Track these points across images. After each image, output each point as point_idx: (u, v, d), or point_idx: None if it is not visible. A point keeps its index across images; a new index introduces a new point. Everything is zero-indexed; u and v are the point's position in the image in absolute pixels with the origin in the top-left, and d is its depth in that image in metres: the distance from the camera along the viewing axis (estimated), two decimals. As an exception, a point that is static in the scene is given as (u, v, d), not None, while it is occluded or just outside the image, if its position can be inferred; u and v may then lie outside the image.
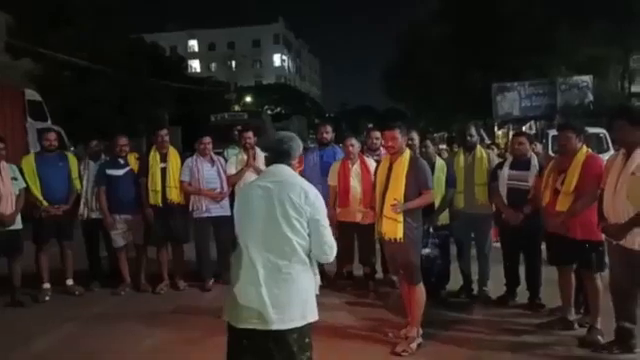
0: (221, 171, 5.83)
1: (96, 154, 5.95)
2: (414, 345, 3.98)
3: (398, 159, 4.04)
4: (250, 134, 5.90)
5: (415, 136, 5.67)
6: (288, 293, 2.42)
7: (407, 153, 4.09)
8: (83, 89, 21.40)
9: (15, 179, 5.23)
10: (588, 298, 4.19)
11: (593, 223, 3.90)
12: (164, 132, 5.85)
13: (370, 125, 49.28)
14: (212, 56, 71.29)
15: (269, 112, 34.62)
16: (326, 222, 2.54)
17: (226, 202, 5.81)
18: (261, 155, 5.84)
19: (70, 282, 5.73)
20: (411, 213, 3.96)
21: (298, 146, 2.65)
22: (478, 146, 5.23)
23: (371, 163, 5.55)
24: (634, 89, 21.66)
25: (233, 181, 5.77)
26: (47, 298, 5.50)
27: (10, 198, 5.11)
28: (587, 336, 4.03)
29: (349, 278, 5.78)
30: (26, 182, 5.37)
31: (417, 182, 3.97)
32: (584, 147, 4.16)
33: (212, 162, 5.85)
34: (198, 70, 66.75)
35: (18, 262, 5.34)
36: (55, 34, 20.47)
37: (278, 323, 2.39)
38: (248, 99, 42.44)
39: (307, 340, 2.50)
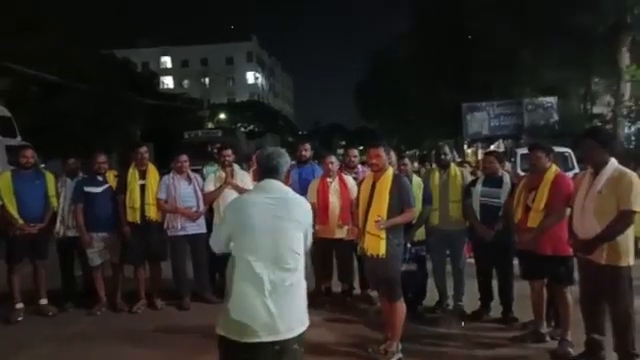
0: (197, 189, 5.81)
1: (73, 171, 5.87)
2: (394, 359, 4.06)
3: (381, 177, 4.17)
4: (229, 152, 5.92)
5: (392, 154, 5.83)
6: (290, 303, 2.53)
7: (390, 170, 4.22)
8: (52, 104, 21.00)
9: None
10: (559, 311, 4.36)
11: (563, 239, 4.08)
12: (144, 149, 5.83)
13: (343, 142, 49.68)
14: (185, 73, 70.95)
15: (242, 130, 34.56)
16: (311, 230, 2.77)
17: (202, 220, 5.81)
18: (239, 172, 5.89)
19: (44, 302, 5.59)
20: (393, 230, 4.07)
21: (286, 162, 2.76)
22: (452, 164, 5.41)
23: (349, 180, 5.67)
24: (596, 110, 22.53)
25: (211, 198, 5.76)
26: (20, 318, 5.37)
27: None
28: (558, 348, 4.18)
29: (327, 295, 5.83)
30: (2, 199, 5.27)
31: (400, 199, 4.09)
32: (553, 166, 4.37)
33: (189, 180, 5.83)
34: (171, 86, 66.29)
35: None
36: (22, 47, 20.06)
37: (285, 333, 2.48)
38: (222, 116, 42.32)
39: (302, 348, 2.58)
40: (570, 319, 4.19)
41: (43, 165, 13.22)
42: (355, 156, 6.13)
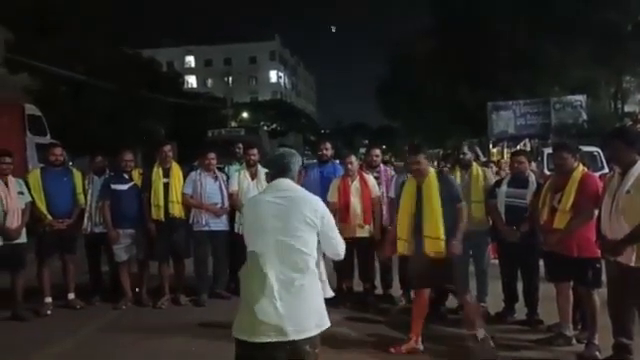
0: (223, 187, 5.90)
1: (100, 169, 5.99)
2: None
3: (426, 179, 4.23)
4: (255, 151, 6.00)
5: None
6: (302, 304, 2.48)
7: (432, 171, 4.33)
8: (80, 103, 21.47)
9: (21, 193, 5.28)
10: (586, 314, 4.27)
11: (590, 240, 3.99)
12: (167, 148, 5.94)
13: (365, 141, 49.60)
14: (209, 72, 71.71)
15: (265, 128, 34.76)
16: (335, 230, 2.68)
17: (225, 217, 5.89)
18: (262, 172, 5.89)
19: (72, 296, 5.74)
20: (450, 230, 4.17)
21: (297, 161, 2.73)
22: (474, 164, 5.34)
23: (370, 179, 5.64)
24: (627, 109, 22.01)
25: (237, 200, 5.80)
26: (49, 312, 5.51)
27: (16, 212, 5.16)
28: (585, 352, 4.10)
29: (349, 294, 5.81)
30: (32, 196, 5.42)
31: (450, 196, 4.19)
32: (580, 166, 4.28)
33: (215, 177, 5.92)
34: (195, 86, 67.06)
35: (21, 276, 5.36)
36: (48, 45, 20.52)
37: (294, 334, 2.44)
38: (244, 115, 42.66)
39: (317, 350, 2.55)
40: (597, 322, 4.10)
41: (70, 163, 13.59)
42: (377, 155, 6.10)
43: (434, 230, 4.11)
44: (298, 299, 2.48)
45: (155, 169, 5.83)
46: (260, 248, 2.53)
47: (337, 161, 6.45)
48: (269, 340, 2.43)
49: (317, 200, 2.65)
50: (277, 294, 2.44)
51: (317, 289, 2.59)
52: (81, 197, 5.75)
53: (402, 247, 4.37)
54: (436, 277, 4.25)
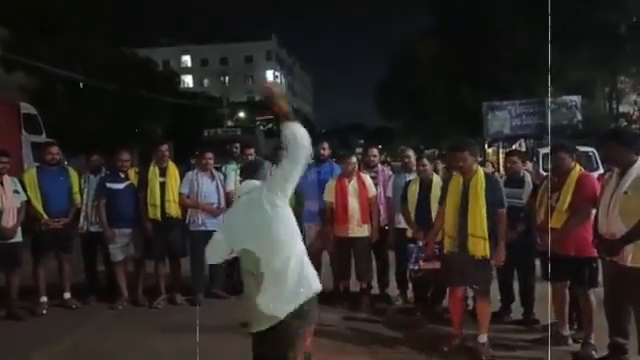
0: (220, 186, 5.88)
1: (96, 168, 5.98)
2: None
3: (473, 177, 4.19)
4: (252, 151, 6.00)
5: (411, 153, 5.80)
6: (283, 287, 2.58)
7: (481, 171, 4.28)
8: (75, 102, 21.40)
9: (17, 192, 5.26)
10: (581, 314, 4.29)
11: (587, 240, 4.01)
12: (164, 147, 5.93)
13: (361, 141, 49.57)
14: (205, 71, 71.55)
15: (262, 128, 34.71)
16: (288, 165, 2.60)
17: (221, 217, 5.87)
18: None
19: (67, 295, 5.72)
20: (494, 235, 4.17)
21: (264, 168, 2.99)
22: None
23: (367, 179, 5.64)
24: (621, 109, 22.12)
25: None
26: (44, 311, 5.49)
27: (12, 211, 5.15)
28: (581, 351, 4.12)
29: (345, 294, 5.81)
30: (27, 195, 5.40)
31: (494, 200, 4.16)
32: (577, 166, 4.30)
33: (212, 177, 5.90)
34: (191, 85, 66.94)
35: (16, 275, 5.33)
36: (46, 45, 20.46)
37: (281, 315, 2.55)
38: (241, 115, 42.57)
39: (299, 320, 2.60)
40: (593, 322, 4.13)
41: (66, 162, 13.56)
42: (375, 156, 6.12)
43: (479, 229, 4.08)
44: (278, 283, 2.58)
45: (151, 168, 5.82)
46: (241, 243, 2.67)
47: (333, 160, 6.46)
48: (263, 328, 2.58)
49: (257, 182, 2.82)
50: (259, 284, 2.57)
51: (293, 268, 2.62)
52: (77, 196, 5.74)
53: (449, 245, 4.30)
54: (472, 277, 4.24)
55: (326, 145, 6.23)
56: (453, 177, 4.38)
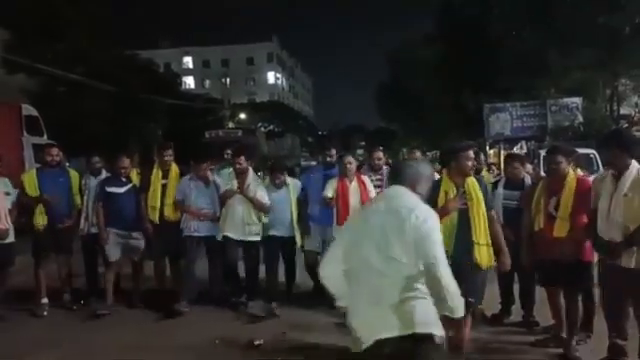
0: (215, 194, 5.69)
1: (97, 170, 5.97)
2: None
3: (467, 180, 3.90)
4: (242, 159, 5.52)
5: (419, 155, 5.79)
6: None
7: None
8: (77, 104, 21.44)
9: (8, 194, 5.22)
10: (568, 315, 4.25)
11: (582, 245, 4.02)
12: (169, 152, 5.89)
13: (362, 143, 49.58)
14: (206, 73, 71.68)
15: (263, 129, 34.76)
16: None
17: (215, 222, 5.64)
18: (253, 182, 5.55)
19: (68, 297, 5.71)
20: None
21: (410, 169, 2.71)
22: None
23: (367, 180, 5.61)
24: (622, 111, 22.12)
25: (222, 200, 5.57)
26: (45, 313, 5.48)
27: (3, 212, 5.10)
28: (566, 353, 4.13)
29: None
30: (27, 196, 5.40)
31: (486, 203, 3.96)
32: (571, 170, 4.26)
33: (207, 184, 5.73)
34: (192, 86, 67.04)
35: (8, 275, 5.32)
36: (48, 48, 20.54)
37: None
38: (242, 116, 42.62)
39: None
40: (578, 323, 4.18)
41: (67, 164, 13.58)
42: (379, 158, 6.04)
43: (483, 235, 3.84)
44: None
45: (155, 170, 5.80)
46: None
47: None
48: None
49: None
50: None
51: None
52: (77, 198, 5.74)
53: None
54: (469, 288, 3.74)
55: (333, 152, 6.13)
56: (443, 181, 3.98)
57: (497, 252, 3.94)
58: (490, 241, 3.84)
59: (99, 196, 5.67)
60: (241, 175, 5.53)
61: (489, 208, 3.93)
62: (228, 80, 58.52)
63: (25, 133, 12.36)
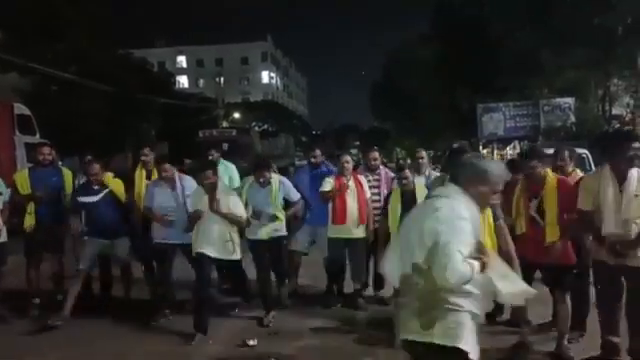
0: (180, 197, 5.25)
1: None
2: None
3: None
4: (210, 174, 4.92)
5: (424, 154, 5.81)
6: None
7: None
8: (71, 103, 21.33)
9: (0, 194, 5.17)
10: (558, 315, 4.27)
11: (569, 247, 4.06)
12: (146, 150, 5.75)
13: (357, 142, 49.62)
14: (200, 72, 71.51)
15: (257, 129, 34.72)
16: None
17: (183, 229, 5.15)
18: (224, 196, 4.93)
19: (60, 297, 5.66)
20: None
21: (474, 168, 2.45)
22: None
23: (363, 180, 5.60)
24: (614, 111, 22.28)
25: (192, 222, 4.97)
26: (36, 313, 5.43)
27: None
28: (556, 350, 4.15)
29: (339, 295, 5.77)
30: (19, 194, 5.36)
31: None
32: (549, 171, 4.23)
33: (173, 187, 5.31)
34: (186, 86, 66.87)
35: (1, 275, 5.28)
36: (48, 48, 20.45)
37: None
38: (236, 115, 42.56)
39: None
40: (568, 324, 4.19)
41: (60, 162, 13.51)
42: (375, 159, 5.99)
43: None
44: None
45: (138, 171, 5.70)
46: None
47: (327, 161, 6.39)
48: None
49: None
50: None
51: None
52: (69, 197, 5.66)
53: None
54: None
55: (318, 152, 6.07)
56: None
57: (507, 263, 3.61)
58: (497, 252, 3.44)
59: (73, 207, 5.43)
60: (211, 191, 4.91)
61: (496, 218, 3.55)
62: (222, 79, 58.52)
63: (17, 132, 12.26)
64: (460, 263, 2.17)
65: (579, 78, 20.46)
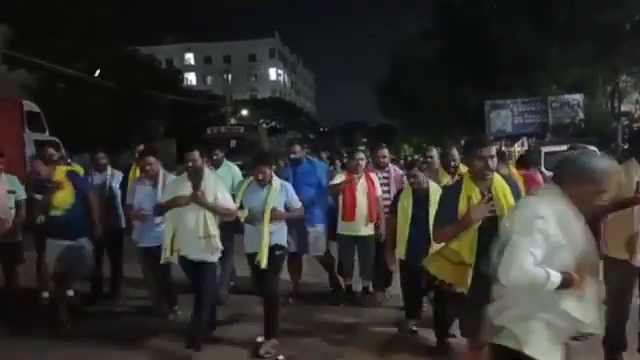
0: (159, 196, 4.69)
1: (102, 166, 5.90)
2: None
3: (493, 182, 3.30)
4: (195, 155, 4.24)
5: (434, 153, 5.76)
6: None
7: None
8: (78, 100, 21.47)
9: (13, 192, 5.08)
10: None
11: None
12: (139, 148, 5.62)
13: (364, 139, 49.56)
14: (208, 69, 71.65)
15: (264, 126, 34.80)
16: None
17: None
18: (211, 183, 4.32)
19: (71, 293, 5.68)
20: None
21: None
22: (461, 167, 5.04)
23: (375, 177, 5.54)
24: (623, 108, 22.12)
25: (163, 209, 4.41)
26: (47, 300, 5.48)
27: (4, 210, 4.94)
28: None
29: (348, 293, 5.71)
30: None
31: None
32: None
33: (154, 185, 4.92)
34: (194, 83, 67.05)
35: (16, 274, 5.26)
36: (48, 43, 20.57)
37: None
38: (244, 112, 42.67)
39: None
40: None
41: (69, 160, 13.58)
42: (384, 156, 5.87)
43: None
44: None
45: (132, 170, 5.60)
46: None
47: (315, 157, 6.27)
48: None
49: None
50: None
51: None
52: None
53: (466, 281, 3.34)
54: None
55: (297, 148, 5.84)
56: (465, 184, 3.18)
57: None
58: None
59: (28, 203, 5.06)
60: (195, 175, 4.28)
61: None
62: (230, 76, 58.61)
63: (27, 129, 12.34)
64: (527, 264, 2.09)
65: (585, 75, 20.33)
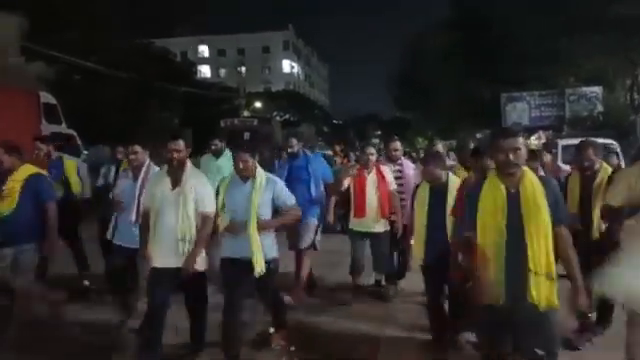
0: (137, 191, 4.35)
1: (118, 160, 5.79)
2: None
3: (522, 181, 2.84)
4: (180, 144, 3.73)
5: (441, 147, 5.69)
6: None
7: (528, 169, 2.88)
8: (94, 92, 21.63)
9: None
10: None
11: None
12: (135, 146, 5.54)
13: (378, 132, 49.28)
14: (222, 62, 71.76)
15: (278, 118, 34.79)
16: None
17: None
18: (193, 179, 3.76)
19: (87, 283, 5.73)
20: None
21: None
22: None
23: (387, 172, 5.46)
24: (643, 101, 21.70)
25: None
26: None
27: None
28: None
29: (356, 289, 5.63)
30: None
31: (556, 214, 3.01)
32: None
33: (136, 177, 4.49)
34: (208, 75, 67.20)
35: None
36: (65, 38, 20.71)
37: None
38: (258, 105, 42.70)
39: None
40: None
41: (85, 152, 13.70)
42: (397, 149, 5.80)
43: (544, 262, 2.74)
44: None
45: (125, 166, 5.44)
46: None
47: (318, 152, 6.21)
48: None
49: None
50: None
51: None
52: (76, 185, 5.69)
53: (489, 291, 2.88)
54: (533, 338, 2.76)
55: (294, 142, 5.72)
56: (489, 181, 2.86)
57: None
58: (554, 271, 2.73)
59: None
60: (178, 169, 3.75)
61: (558, 221, 2.77)
62: (244, 69, 58.71)
63: (44, 121, 12.42)
64: None
65: (599, 68, 19.96)
